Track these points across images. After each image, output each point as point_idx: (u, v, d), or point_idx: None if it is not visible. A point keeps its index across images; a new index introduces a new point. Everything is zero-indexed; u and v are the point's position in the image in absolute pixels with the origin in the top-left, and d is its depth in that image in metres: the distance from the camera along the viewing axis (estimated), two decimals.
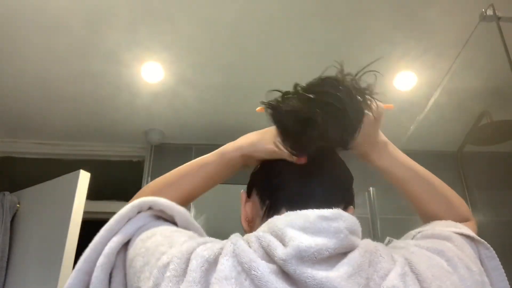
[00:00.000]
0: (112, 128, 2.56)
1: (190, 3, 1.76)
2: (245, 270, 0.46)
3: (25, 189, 2.29)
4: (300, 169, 0.61)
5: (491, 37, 1.56)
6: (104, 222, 0.58)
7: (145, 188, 0.72)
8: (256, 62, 2.09)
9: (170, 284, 0.45)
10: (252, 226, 0.63)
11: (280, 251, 0.46)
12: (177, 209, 0.60)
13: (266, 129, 0.67)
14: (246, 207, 0.65)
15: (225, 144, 0.72)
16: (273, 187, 0.62)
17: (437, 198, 0.70)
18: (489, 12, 1.54)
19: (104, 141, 2.71)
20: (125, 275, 0.54)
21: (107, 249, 0.54)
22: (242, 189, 0.67)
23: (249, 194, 0.66)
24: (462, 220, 0.69)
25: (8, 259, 2.10)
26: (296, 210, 0.53)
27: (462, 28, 1.77)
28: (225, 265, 0.46)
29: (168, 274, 0.47)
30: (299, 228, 0.48)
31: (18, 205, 2.24)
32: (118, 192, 2.67)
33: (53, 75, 2.12)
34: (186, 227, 0.59)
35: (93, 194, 2.31)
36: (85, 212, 2.02)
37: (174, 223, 0.60)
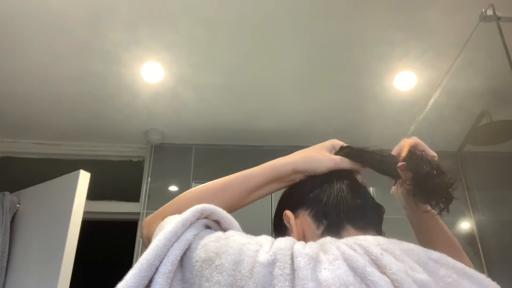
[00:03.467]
0: (112, 128, 2.57)
1: (190, 3, 1.76)
2: (359, 275, 0.46)
3: (25, 189, 2.29)
4: (347, 186, 0.65)
5: (491, 37, 1.56)
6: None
7: (183, 195, 0.70)
8: (256, 62, 2.09)
9: (287, 283, 0.45)
10: None
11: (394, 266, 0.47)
12: (235, 223, 0.60)
13: (316, 146, 0.71)
14: (298, 227, 0.63)
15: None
16: (329, 205, 0.62)
17: (452, 245, 0.73)
18: (489, 12, 1.54)
19: (104, 141, 2.71)
20: (182, 280, 0.53)
21: (172, 256, 0.53)
22: (286, 209, 0.66)
23: (293, 211, 0.65)
24: None
25: (8, 259, 2.10)
26: (359, 225, 0.59)
27: (462, 28, 1.77)
28: (341, 269, 0.46)
29: (277, 271, 0.47)
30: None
31: (18, 205, 2.24)
32: (118, 192, 2.67)
33: (53, 75, 2.12)
34: None
35: (93, 194, 2.32)
36: (85, 212, 2.01)
37: None
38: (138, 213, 2.52)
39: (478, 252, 2.35)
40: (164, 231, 0.55)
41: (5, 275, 2.07)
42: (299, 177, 0.68)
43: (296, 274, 0.46)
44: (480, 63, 2.03)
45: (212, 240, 0.54)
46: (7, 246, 2.11)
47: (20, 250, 2.11)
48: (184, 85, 2.21)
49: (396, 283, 0.45)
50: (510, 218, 2.49)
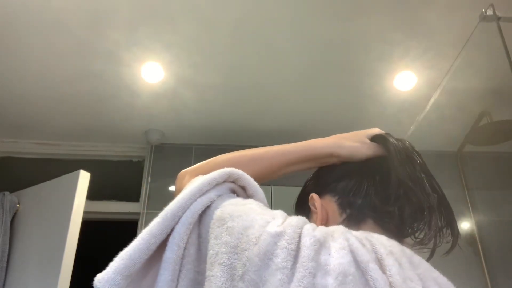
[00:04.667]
0: (112, 128, 2.57)
1: (190, 3, 1.76)
2: (361, 268, 0.46)
3: (25, 189, 2.29)
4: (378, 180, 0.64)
5: (491, 37, 1.56)
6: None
7: (214, 159, 0.70)
8: (256, 62, 2.09)
9: (290, 258, 0.46)
10: None
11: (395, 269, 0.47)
12: (260, 190, 0.62)
13: (359, 133, 0.70)
14: (323, 210, 0.64)
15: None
16: (357, 197, 0.62)
17: None
18: (489, 12, 1.54)
19: (104, 141, 2.71)
20: (198, 235, 0.54)
21: (194, 209, 0.54)
22: (313, 193, 0.66)
23: (320, 195, 0.66)
24: None
25: (8, 259, 2.10)
26: (381, 223, 0.59)
27: (462, 28, 1.77)
28: (345, 259, 0.46)
29: (283, 243, 0.47)
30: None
31: (18, 205, 2.24)
32: (118, 192, 2.67)
33: (53, 75, 2.12)
34: None
35: (93, 194, 2.31)
36: (85, 212, 2.01)
37: None
38: (138, 213, 2.52)
39: (478, 252, 2.35)
40: (191, 186, 0.57)
41: (5, 275, 2.07)
42: (333, 160, 0.68)
43: (299, 252, 0.47)
44: (480, 63, 2.03)
45: (231, 203, 0.56)
46: (7, 246, 2.11)
47: (20, 250, 2.11)
48: (184, 85, 2.21)
49: (392, 286, 0.46)
50: (510, 218, 2.50)
